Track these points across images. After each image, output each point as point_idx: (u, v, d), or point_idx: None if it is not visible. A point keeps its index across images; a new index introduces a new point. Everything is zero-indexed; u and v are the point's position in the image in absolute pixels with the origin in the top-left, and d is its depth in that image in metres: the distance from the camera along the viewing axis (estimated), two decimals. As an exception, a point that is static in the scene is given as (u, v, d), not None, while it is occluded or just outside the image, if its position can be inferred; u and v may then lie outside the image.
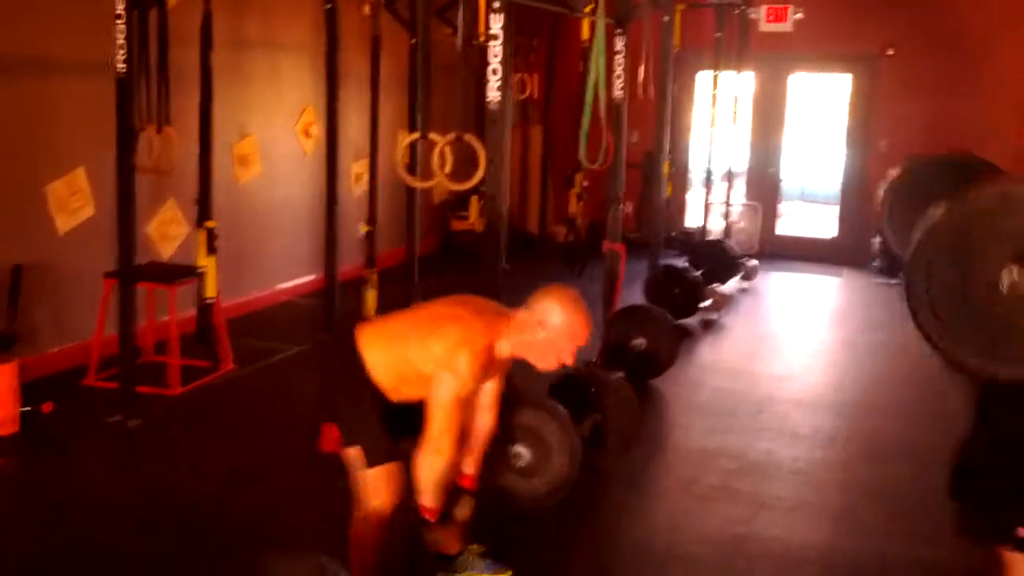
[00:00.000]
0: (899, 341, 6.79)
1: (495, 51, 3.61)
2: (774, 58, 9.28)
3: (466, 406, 2.88)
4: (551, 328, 2.81)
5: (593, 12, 4.60)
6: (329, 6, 4.81)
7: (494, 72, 3.63)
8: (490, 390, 3.06)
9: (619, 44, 4.86)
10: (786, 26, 8.74)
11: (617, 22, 4.76)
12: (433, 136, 3.92)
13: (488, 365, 2.83)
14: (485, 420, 3.13)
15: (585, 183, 7.26)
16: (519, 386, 3.46)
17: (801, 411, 5.20)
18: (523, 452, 3.58)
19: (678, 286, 6.71)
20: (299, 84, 7.03)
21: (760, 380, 5.79)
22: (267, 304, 6.89)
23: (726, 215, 8.75)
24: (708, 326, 6.92)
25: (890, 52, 9.06)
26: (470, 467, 3.16)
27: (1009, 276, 2.25)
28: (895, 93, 9.16)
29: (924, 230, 2.34)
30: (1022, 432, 2.64)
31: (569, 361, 2.86)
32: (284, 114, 7.02)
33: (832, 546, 3.64)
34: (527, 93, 8.72)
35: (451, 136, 3.80)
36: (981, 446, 2.74)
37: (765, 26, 8.73)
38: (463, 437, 2.97)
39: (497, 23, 3.59)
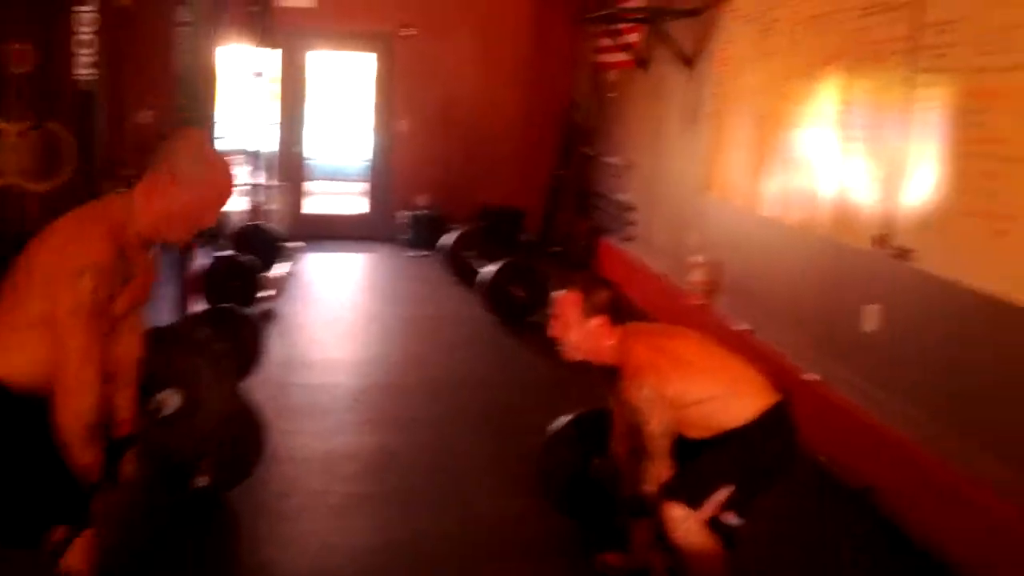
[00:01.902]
0: (450, 313, 7.10)
1: (85, 19, 2.94)
2: (297, 35, 9.05)
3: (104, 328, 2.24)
4: (192, 184, 2.26)
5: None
6: None
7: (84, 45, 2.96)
8: (134, 305, 2.40)
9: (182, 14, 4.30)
10: (307, 2, 8.55)
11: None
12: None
13: (115, 266, 2.20)
14: (132, 344, 2.49)
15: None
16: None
17: (391, 396, 5.16)
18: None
19: (237, 278, 6.25)
20: None
21: (341, 369, 5.64)
22: None
23: (260, 197, 8.38)
24: (267, 317, 6.56)
25: (406, 32, 9.34)
26: (125, 408, 2.51)
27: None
28: (413, 73, 9.48)
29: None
30: None
31: (212, 222, 2.36)
32: None
33: (479, 527, 3.65)
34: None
35: (24, 124, 3.02)
36: None
37: (287, 1, 8.45)
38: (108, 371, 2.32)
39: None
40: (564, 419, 3.67)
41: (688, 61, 6.62)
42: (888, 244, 4.11)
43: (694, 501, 2.82)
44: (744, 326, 5.53)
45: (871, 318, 4.26)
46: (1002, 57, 3.36)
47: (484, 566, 3.40)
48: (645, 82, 7.72)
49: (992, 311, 3.46)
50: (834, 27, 4.65)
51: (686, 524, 2.82)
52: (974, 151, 3.51)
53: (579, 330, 2.96)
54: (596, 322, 2.95)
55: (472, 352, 6.20)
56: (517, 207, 9.60)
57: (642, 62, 7.67)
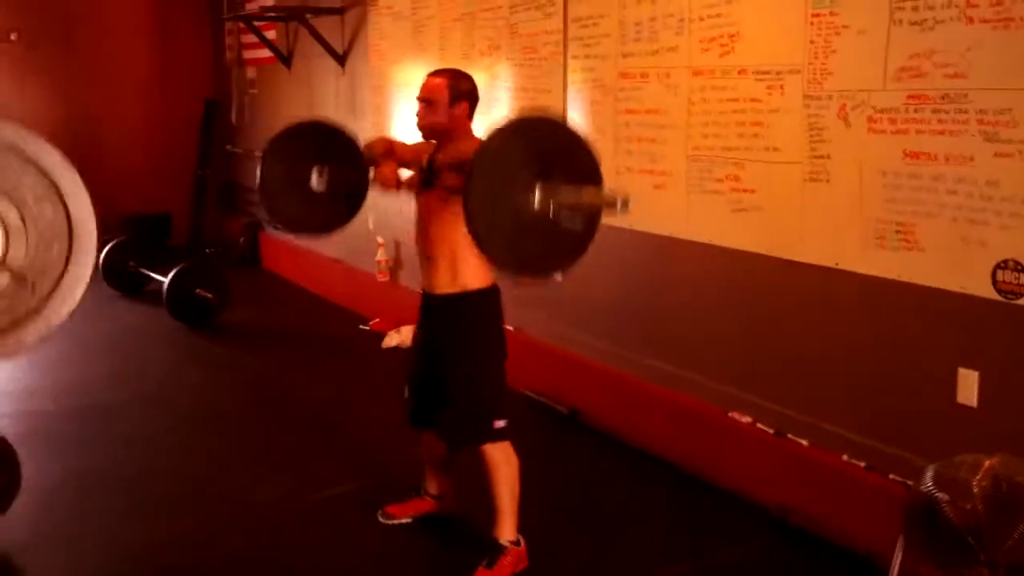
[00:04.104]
0: (130, 326, 6.91)
1: None
2: None
3: None
4: None
5: None
6: None
7: None
8: None
9: None
10: None
11: None
12: None
13: None
14: None
15: None
16: None
17: (115, 415, 5.04)
18: None
19: None
20: None
21: (39, 395, 5.35)
22: None
23: None
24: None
25: (13, 37, 8.67)
26: None
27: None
28: (23, 84, 8.83)
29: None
30: None
31: None
32: None
33: (263, 511, 3.86)
34: None
35: None
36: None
37: None
38: None
39: None
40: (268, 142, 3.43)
41: (339, 57, 6.99)
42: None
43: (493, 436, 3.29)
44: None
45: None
46: (646, 44, 4.19)
47: (278, 546, 3.63)
48: (291, 77, 7.95)
49: (656, 247, 4.32)
50: (486, 23, 5.32)
51: (502, 452, 3.30)
52: (634, 121, 4.33)
53: (445, 114, 3.24)
54: (460, 108, 3.27)
55: (173, 359, 6.16)
56: (161, 212, 9.37)
57: (285, 59, 7.90)
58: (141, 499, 3.99)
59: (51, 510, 3.85)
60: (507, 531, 3.32)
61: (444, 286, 3.30)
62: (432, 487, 3.76)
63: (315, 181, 3.30)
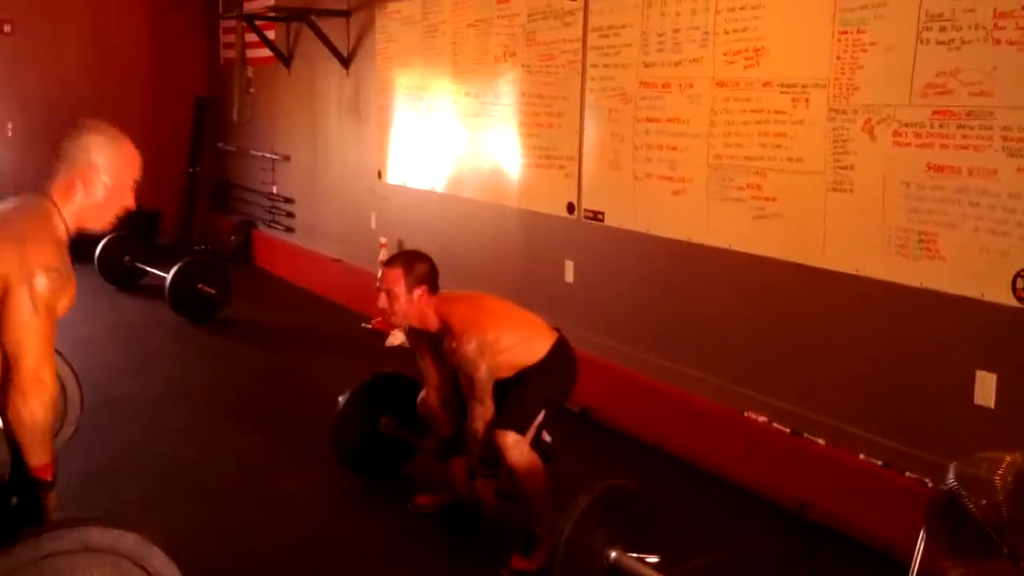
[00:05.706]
0: (133, 320, 6.93)
1: None
2: None
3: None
4: (113, 169, 2.36)
5: None
6: None
7: None
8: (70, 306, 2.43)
9: None
10: None
11: None
12: None
13: (62, 265, 2.27)
14: None
15: None
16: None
17: (142, 409, 5.08)
18: None
19: None
20: None
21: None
22: None
23: None
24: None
25: (7, 30, 8.64)
26: None
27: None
28: (15, 72, 8.80)
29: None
30: None
31: (132, 203, 2.45)
32: None
33: (292, 501, 3.94)
34: None
35: None
36: None
37: None
38: None
39: None
40: (349, 389, 4.05)
41: (344, 59, 7.07)
42: (580, 209, 5.01)
43: (521, 428, 3.42)
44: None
45: (570, 271, 5.15)
46: (669, 55, 4.34)
47: (313, 534, 3.72)
48: (292, 78, 8.00)
49: (674, 251, 4.47)
50: (502, 29, 5.43)
51: (518, 448, 3.40)
52: (653, 129, 4.47)
53: (405, 300, 3.43)
54: (418, 292, 3.43)
55: (181, 353, 6.20)
56: (150, 209, 9.35)
57: (285, 59, 7.94)
58: (170, 492, 4.03)
59: (86, 503, 3.88)
60: (542, 522, 3.43)
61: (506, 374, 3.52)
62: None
63: (383, 426, 4.01)
